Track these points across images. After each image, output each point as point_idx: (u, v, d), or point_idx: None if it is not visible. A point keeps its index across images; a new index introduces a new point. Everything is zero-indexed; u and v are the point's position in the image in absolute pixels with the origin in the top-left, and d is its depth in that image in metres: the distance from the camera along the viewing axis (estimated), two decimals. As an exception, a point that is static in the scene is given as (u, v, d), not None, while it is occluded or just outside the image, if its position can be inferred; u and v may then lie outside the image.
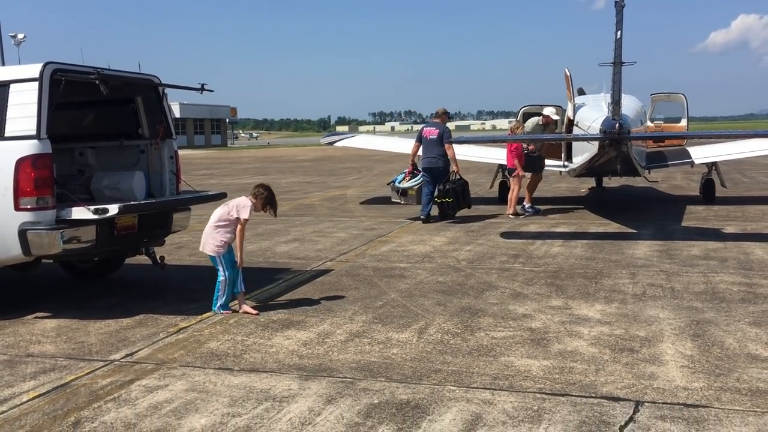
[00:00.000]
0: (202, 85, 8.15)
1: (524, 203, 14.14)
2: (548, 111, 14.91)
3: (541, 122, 14.98)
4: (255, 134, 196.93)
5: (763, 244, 9.97)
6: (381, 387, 4.87)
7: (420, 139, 13.59)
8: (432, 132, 13.40)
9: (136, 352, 5.85)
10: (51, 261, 7.81)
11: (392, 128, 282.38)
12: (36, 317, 7.03)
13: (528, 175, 14.26)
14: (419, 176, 13.53)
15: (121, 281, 8.82)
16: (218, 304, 7.00)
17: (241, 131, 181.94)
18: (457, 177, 13.29)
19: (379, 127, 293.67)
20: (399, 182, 14.06)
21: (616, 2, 10.43)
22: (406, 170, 13.95)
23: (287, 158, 48.40)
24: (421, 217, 13.25)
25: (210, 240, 7.06)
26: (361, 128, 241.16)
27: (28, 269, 7.56)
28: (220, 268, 7.00)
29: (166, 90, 8.46)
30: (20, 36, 50.10)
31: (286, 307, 7.19)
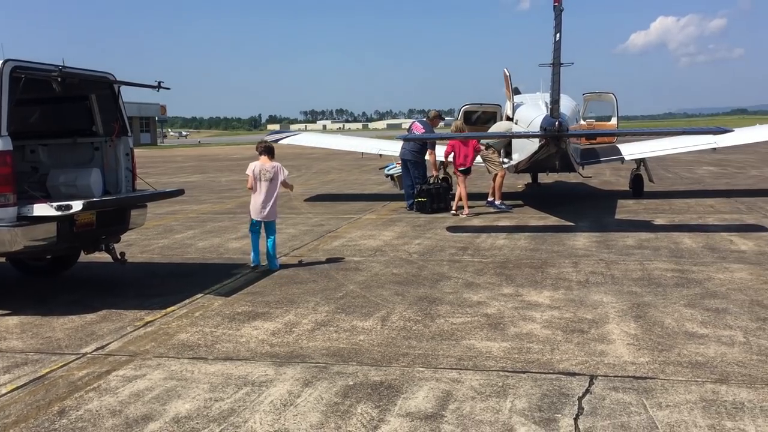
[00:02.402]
0: (159, 83, 8.21)
1: (494, 200, 14.70)
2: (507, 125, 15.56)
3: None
4: (184, 133, 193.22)
5: (691, 234, 10.66)
6: (354, 370, 5.14)
7: (408, 131, 15.38)
8: (418, 129, 14.85)
9: (107, 345, 5.93)
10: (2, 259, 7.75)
11: (324, 127, 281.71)
12: (-5, 315, 7.02)
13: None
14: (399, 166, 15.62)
15: (77, 278, 8.80)
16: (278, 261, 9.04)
17: (169, 130, 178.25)
18: (436, 180, 14.67)
19: (310, 126, 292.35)
20: (388, 170, 16.57)
21: (554, 6, 10.94)
22: (396, 162, 16.04)
23: (223, 156, 47.95)
24: (407, 208, 14.96)
25: (275, 208, 9.08)
26: (293, 127, 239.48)
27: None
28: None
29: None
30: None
31: (248, 300, 7.36)
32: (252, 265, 8.95)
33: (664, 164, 25.36)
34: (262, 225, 8.98)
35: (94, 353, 5.72)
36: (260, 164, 8.91)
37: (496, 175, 14.50)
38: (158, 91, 8.21)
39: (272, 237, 8.98)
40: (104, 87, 8.22)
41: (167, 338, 6.08)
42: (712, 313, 6.36)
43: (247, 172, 8.98)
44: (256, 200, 8.91)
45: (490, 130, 15.41)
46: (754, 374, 4.82)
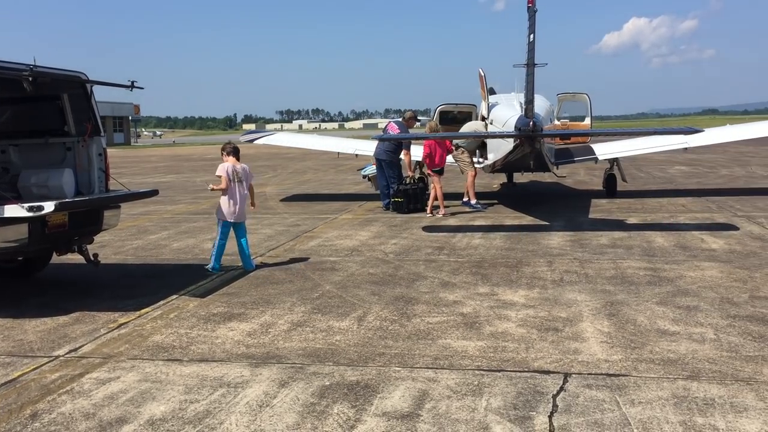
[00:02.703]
0: (132, 82, 8.13)
1: (469, 200, 14.77)
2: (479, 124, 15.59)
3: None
4: (159, 132, 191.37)
5: (663, 233, 10.81)
6: (330, 370, 5.14)
7: (383, 131, 15.40)
8: (394, 129, 14.89)
9: (80, 347, 5.87)
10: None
11: (300, 126, 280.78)
12: (-36, 318, 6.90)
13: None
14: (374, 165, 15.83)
15: (49, 280, 8.69)
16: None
17: (143, 129, 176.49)
18: (412, 180, 14.75)
19: (286, 126, 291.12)
20: (365, 171, 16.93)
21: (528, 7, 11.02)
22: (372, 164, 16.30)
23: (197, 156, 47.57)
24: (383, 207, 15.06)
25: (245, 209, 9.10)
26: (268, 126, 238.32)
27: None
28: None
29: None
30: None
31: (224, 300, 7.32)
32: (211, 271, 8.67)
33: (636, 164, 25.66)
34: (231, 228, 8.94)
35: (66, 356, 5.66)
36: (231, 165, 8.89)
37: (468, 174, 14.61)
38: (131, 90, 8.14)
39: (245, 237, 8.96)
40: (76, 86, 8.13)
41: (141, 340, 6.03)
42: (684, 311, 6.46)
43: (219, 174, 8.82)
44: (230, 202, 8.82)
45: (460, 131, 15.47)
46: (725, 371, 4.90)
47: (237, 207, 8.84)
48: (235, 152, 9.07)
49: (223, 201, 8.86)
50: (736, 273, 7.95)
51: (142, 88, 8.28)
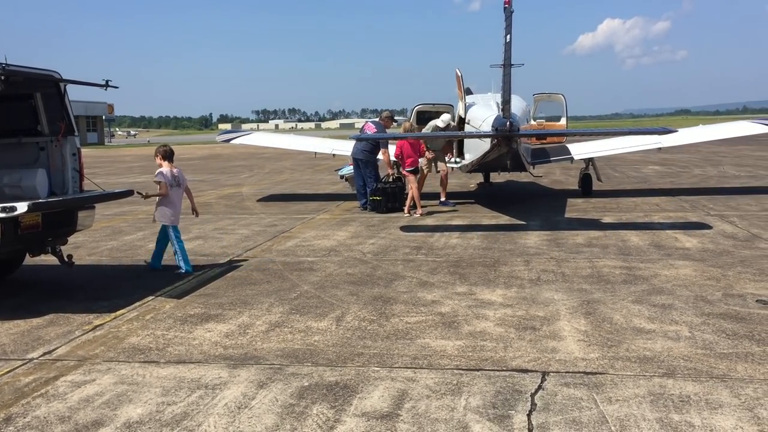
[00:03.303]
0: (107, 81, 8.03)
1: (446, 200, 14.89)
2: (446, 118, 15.56)
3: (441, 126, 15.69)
4: (133, 132, 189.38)
5: (637, 231, 10.92)
6: (309, 371, 5.12)
7: (360, 131, 15.43)
8: (371, 129, 14.87)
9: (54, 350, 5.78)
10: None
11: (276, 126, 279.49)
12: (-65, 321, 6.77)
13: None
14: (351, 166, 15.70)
15: (22, 282, 8.54)
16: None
17: (117, 129, 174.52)
18: (391, 179, 14.79)
19: (262, 125, 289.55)
20: (341, 171, 16.70)
21: (504, 8, 11.08)
22: (349, 164, 16.10)
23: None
24: (360, 207, 15.00)
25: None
26: (245, 126, 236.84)
27: None
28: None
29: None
30: None
31: (201, 302, 7.26)
32: (185, 273, 8.62)
33: (611, 164, 25.90)
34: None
35: (41, 358, 5.57)
36: (168, 170, 8.92)
37: (424, 174, 14.72)
38: (106, 89, 8.04)
39: (181, 240, 9.02)
40: (50, 85, 8.01)
41: (117, 342, 5.95)
42: (659, 309, 6.53)
43: (158, 179, 8.84)
44: (170, 205, 8.87)
45: (423, 130, 15.51)
46: (699, 368, 4.96)
47: (177, 210, 8.98)
48: (170, 156, 9.10)
49: (165, 206, 8.87)
50: (709, 271, 8.06)
51: (116, 87, 8.19)
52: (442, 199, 14.95)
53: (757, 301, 6.72)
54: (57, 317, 6.78)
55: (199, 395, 4.68)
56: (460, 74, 15.99)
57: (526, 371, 4.98)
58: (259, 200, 17.32)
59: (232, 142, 19.37)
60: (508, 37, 10.99)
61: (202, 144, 73.18)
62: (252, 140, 19.50)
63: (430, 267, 8.74)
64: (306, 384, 4.84)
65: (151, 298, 7.46)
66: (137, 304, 7.20)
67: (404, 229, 12.00)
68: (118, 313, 6.87)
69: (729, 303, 6.65)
